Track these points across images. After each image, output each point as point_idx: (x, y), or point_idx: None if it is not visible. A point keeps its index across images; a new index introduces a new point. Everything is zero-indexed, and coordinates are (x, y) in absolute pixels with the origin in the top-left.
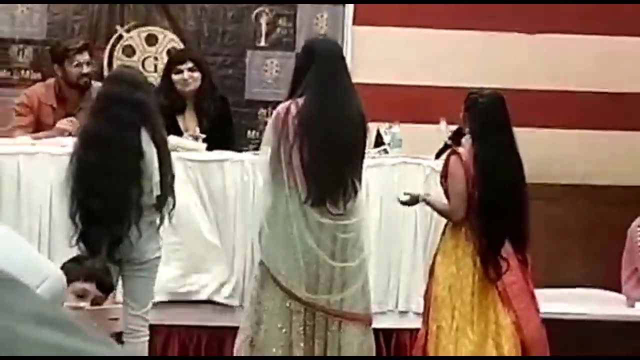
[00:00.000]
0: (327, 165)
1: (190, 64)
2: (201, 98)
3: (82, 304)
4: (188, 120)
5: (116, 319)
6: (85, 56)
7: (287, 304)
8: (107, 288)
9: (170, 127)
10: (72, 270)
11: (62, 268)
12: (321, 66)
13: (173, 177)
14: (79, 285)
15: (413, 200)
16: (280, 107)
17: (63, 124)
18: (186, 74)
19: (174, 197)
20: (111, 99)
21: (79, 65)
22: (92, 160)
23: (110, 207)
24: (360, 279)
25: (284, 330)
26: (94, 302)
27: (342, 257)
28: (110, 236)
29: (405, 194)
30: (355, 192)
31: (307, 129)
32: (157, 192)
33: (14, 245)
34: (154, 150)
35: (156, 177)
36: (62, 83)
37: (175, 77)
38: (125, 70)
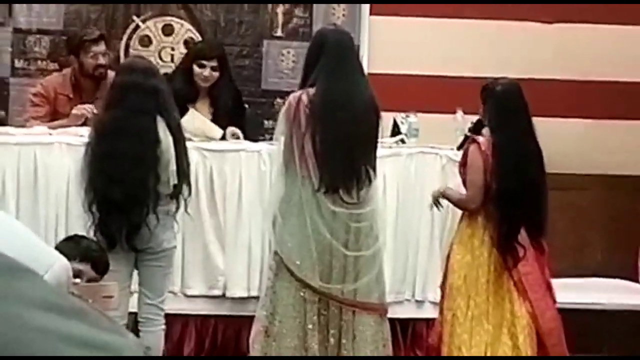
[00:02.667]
0: (340, 154)
1: (214, 63)
2: (216, 89)
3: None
4: (200, 109)
5: (111, 297)
6: (101, 47)
7: (302, 293)
8: (102, 269)
9: (181, 113)
10: (68, 250)
11: (56, 248)
12: (332, 55)
13: (189, 165)
14: (75, 265)
15: (435, 200)
16: (292, 97)
17: (79, 108)
18: (207, 71)
19: (189, 186)
20: (126, 88)
21: (95, 56)
22: (108, 148)
23: (127, 195)
24: (374, 268)
25: (298, 321)
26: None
27: (356, 246)
28: (128, 224)
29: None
30: (370, 181)
31: (319, 117)
32: (173, 180)
33: (18, 234)
34: (170, 138)
35: (173, 165)
36: (78, 73)
37: (197, 69)
38: (137, 60)
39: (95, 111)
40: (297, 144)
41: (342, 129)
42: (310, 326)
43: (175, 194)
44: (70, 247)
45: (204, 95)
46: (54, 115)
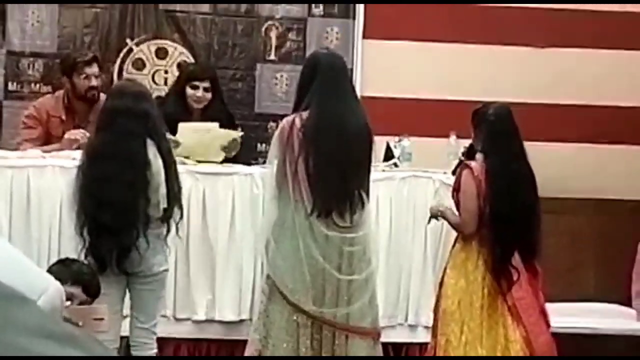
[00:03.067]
0: (333, 177)
1: (207, 84)
2: (209, 111)
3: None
4: None
5: (101, 319)
6: (94, 69)
7: (295, 317)
8: (93, 292)
9: (173, 134)
10: (59, 273)
11: (48, 271)
12: (325, 79)
13: (180, 188)
14: (66, 288)
15: (434, 216)
16: (285, 121)
17: (72, 134)
18: (200, 92)
19: (181, 209)
20: (116, 112)
21: (88, 77)
22: (98, 172)
23: (118, 219)
24: (367, 292)
25: (291, 345)
26: None
27: (349, 270)
28: (119, 248)
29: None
30: (363, 205)
31: (311, 141)
32: (164, 204)
33: (11, 258)
34: (160, 162)
35: (163, 189)
36: (71, 95)
37: (189, 90)
38: (128, 83)
39: (88, 135)
40: (290, 168)
41: (335, 153)
42: (303, 350)
43: (166, 218)
44: (61, 270)
45: (196, 117)
46: (47, 137)
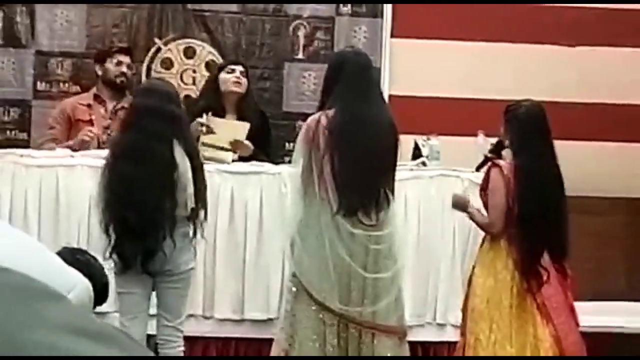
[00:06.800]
0: (359, 176)
1: (242, 68)
2: (244, 107)
3: None
4: None
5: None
6: (127, 58)
7: (321, 316)
8: (99, 288)
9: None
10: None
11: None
12: (350, 78)
13: (205, 188)
14: None
15: (462, 206)
16: (310, 120)
17: (83, 133)
18: (238, 74)
19: (206, 211)
20: (143, 111)
21: (120, 63)
22: (125, 172)
23: (144, 219)
24: (393, 290)
25: (317, 344)
26: None
27: (375, 269)
28: (145, 248)
29: (454, 194)
30: (388, 203)
31: (338, 139)
32: (191, 203)
33: (41, 255)
34: (187, 162)
35: (190, 189)
36: (100, 84)
37: (225, 76)
38: (156, 82)
39: (97, 134)
40: (316, 166)
41: (361, 151)
42: (330, 349)
43: (193, 217)
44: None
45: (231, 111)
46: (69, 135)
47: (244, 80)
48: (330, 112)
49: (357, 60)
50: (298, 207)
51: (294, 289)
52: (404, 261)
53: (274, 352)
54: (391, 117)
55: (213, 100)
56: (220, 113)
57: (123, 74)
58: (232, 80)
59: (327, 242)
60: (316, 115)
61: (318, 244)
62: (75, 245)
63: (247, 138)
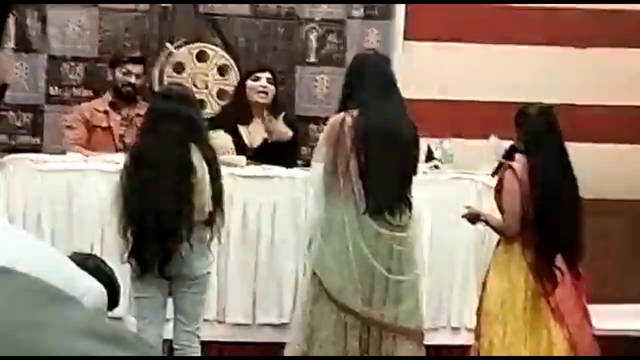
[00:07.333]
0: (386, 175)
1: (269, 75)
2: (273, 113)
3: None
4: (254, 134)
5: None
6: (136, 68)
7: (343, 317)
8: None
9: (232, 136)
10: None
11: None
12: (374, 79)
13: (223, 192)
14: None
15: (474, 218)
16: (334, 119)
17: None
18: (264, 81)
19: (223, 216)
20: (160, 115)
21: (128, 73)
22: (143, 176)
23: (161, 224)
24: (415, 293)
25: (339, 346)
26: None
27: (399, 270)
28: (162, 252)
29: (466, 207)
30: (410, 205)
31: (364, 139)
32: (209, 208)
33: (54, 260)
34: (205, 167)
35: (208, 193)
36: (112, 90)
37: (251, 83)
38: (173, 87)
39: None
40: (342, 165)
41: (388, 151)
42: (351, 352)
43: (210, 222)
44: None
45: (258, 115)
46: (90, 136)
47: (271, 88)
48: (355, 112)
49: (378, 62)
50: (319, 207)
51: (313, 289)
52: (423, 266)
53: (287, 351)
54: (413, 120)
55: (239, 105)
56: (246, 118)
57: (130, 84)
58: (258, 89)
59: (351, 242)
60: (340, 115)
61: (340, 243)
62: (88, 250)
63: (276, 145)
